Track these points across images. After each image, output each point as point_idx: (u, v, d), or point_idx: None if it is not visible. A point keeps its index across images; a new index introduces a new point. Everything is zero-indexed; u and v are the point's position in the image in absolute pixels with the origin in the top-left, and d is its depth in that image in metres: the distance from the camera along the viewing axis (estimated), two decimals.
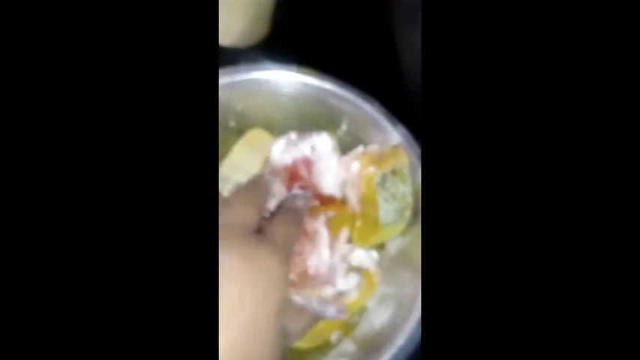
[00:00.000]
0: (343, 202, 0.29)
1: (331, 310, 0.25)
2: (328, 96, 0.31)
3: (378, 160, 0.27)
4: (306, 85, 0.31)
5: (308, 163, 0.28)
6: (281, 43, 0.40)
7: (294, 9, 0.41)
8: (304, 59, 0.37)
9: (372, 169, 0.27)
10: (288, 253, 0.22)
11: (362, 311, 0.30)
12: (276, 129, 0.32)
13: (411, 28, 0.38)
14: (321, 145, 0.28)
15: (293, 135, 0.29)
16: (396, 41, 0.42)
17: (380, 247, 0.31)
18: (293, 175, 0.28)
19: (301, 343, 0.29)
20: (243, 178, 0.29)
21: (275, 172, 0.28)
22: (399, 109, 0.30)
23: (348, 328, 0.30)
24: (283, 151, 0.28)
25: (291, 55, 0.39)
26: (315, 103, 0.31)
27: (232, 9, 0.36)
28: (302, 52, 0.39)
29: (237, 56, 0.38)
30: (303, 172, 0.28)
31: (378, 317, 0.29)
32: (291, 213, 0.25)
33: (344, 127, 0.32)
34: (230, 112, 0.31)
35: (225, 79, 0.30)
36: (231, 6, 0.36)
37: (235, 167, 0.30)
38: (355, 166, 0.27)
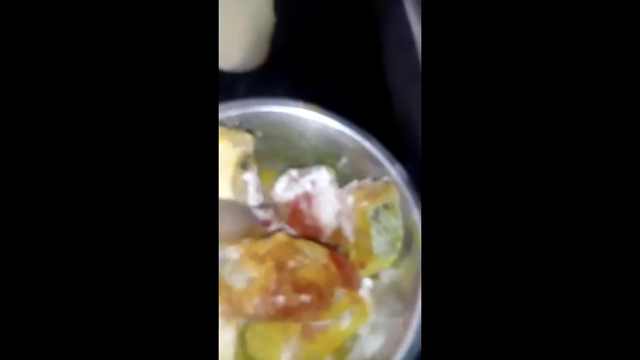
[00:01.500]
0: (338, 232, 0.31)
1: None
2: (331, 131, 0.33)
3: (371, 194, 0.29)
4: (311, 120, 0.33)
5: (308, 197, 0.30)
6: (279, 67, 0.43)
7: (292, 34, 0.44)
8: (300, 84, 0.40)
9: (365, 203, 0.28)
10: None
11: (354, 338, 0.31)
12: (280, 159, 0.34)
13: (400, 53, 0.39)
14: (321, 179, 0.30)
15: (294, 172, 0.31)
16: (384, 65, 0.44)
17: (374, 276, 0.33)
18: (295, 210, 0.30)
19: None
20: None
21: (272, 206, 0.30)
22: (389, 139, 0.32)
23: (340, 354, 0.31)
24: (286, 189, 0.31)
25: (288, 79, 0.42)
26: (318, 137, 0.33)
27: (232, 34, 0.39)
28: (298, 77, 0.42)
29: (236, 80, 0.41)
30: (303, 206, 0.30)
31: (369, 346, 0.30)
32: None
33: (344, 160, 0.34)
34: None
35: (236, 111, 0.32)
36: (231, 31, 0.38)
37: None
38: (350, 199, 0.29)
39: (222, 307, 0.28)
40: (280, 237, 0.29)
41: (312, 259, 0.28)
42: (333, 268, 0.29)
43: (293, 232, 0.31)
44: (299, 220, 0.31)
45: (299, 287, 0.28)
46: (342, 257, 0.30)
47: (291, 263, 0.28)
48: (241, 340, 0.29)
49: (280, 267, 0.28)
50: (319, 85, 0.42)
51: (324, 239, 0.32)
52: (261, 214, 0.30)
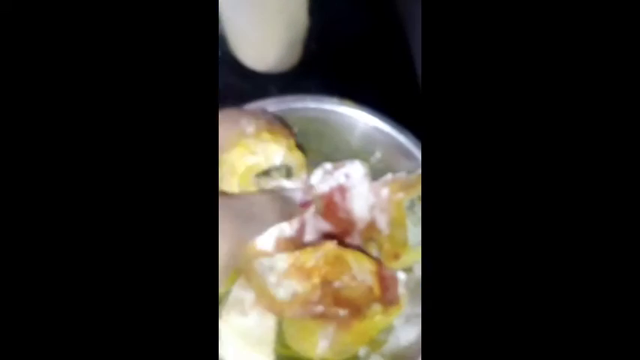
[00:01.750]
0: (372, 225, 0.31)
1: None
2: (364, 126, 0.34)
3: (406, 186, 0.29)
4: (348, 116, 0.34)
5: (342, 190, 0.31)
6: (312, 68, 0.44)
7: (325, 37, 0.45)
8: (332, 83, 0.41)
9: (401, 195, 0.29)
10: None
11: (389, 329, 0.31)
12: (315, 154, 0.35)
13: None
14: (354, 172, 0.31)
15: (328, 165, 0.32)
16: (413, 61, 0.45)
17: (407, 270, 0.33)
18: (329, 202, 0.31)
19: (332, 356, 0.30)
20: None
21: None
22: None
23: (376, 345, 0.31)
24: (320, 181, 0.31)
25: (321, 79, 0.43)
26: (353, 132, 0.34)
27: (267, 36, 0.40)
28: (330, 77, 0.43)
29: (271, 81, 0.42)
30: (337, 198, 0.31)
31: (405, 335, 0.30)
32: None
33: (378, 155, 0.34)
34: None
35: (272, 107, 0.33)
36: (266, 33, 0.39)
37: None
38: (385, 191, 0.30)
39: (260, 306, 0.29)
40: (329, 247, 0.29)
41: (359, 282, 0.29)
42: (377, 291, 0.29)
43: (328, 226, 0.32)
44: (333, 213, 0.32)
45: (339, 302, 0.29)
46: (387, 273, 0.30)
47: (337, 283, 0.29)
48: (278, 328, 0.30)
49: (326, 284, 0.28)
50: (351, 84, 0.43)
51: (357, 232, 0.32)
52: (300, 195, 0.31)
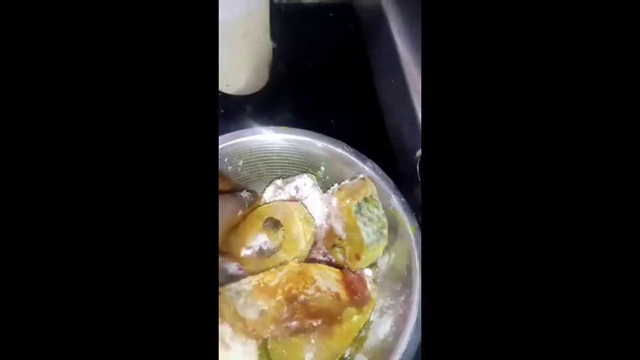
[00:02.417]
0: (331, 232, 0.34)
1: None
2: (306, 146, 0.37)
3: (351, 192, 0.32)
4: (287, 140, 0.36)
5: (295, 201, 0.34)
6: (279, 89, 0.48)
7: (289, 58, 0.50)
8: (299, 103, 0.46)
9: (348, 201, 0.32)
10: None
11: (367, 325, 0.33)
12: (264, 180, 0.38)
13: (389, 71, 0.44)
14: (303, 184, 0.34)
15: (279, 181, 0.34)
16: (375, 86, 0.49)
17: (373, 266, 0.35)
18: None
19: None
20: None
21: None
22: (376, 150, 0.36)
23: (358, 343, 0.33)
24: (272, 196, 0.34)
25: (287, 102, 0.46)
26: (296, 154, 0.37)
27: (234, 61, 0.43)
28: (296, 97, 0.47)
29: (241, 103, 0.46)
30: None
31: (382, 328, 0.32)
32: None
33: (322, 168, 0.37)
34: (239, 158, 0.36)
35: (229, 141, 0.35)
36: (233, 58, 0.42)
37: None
38: (334, 201, 0.32)
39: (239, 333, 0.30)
40: (292, 266, 0.31)
41: (323, 292, 0.31)
42: (344, 297, 0.31)
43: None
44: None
45: (310, 314, 0.30)
46: (352, 277, 0.32)
47: (302, 297, 0.30)
48: (264, 348, 0.32)
49: (291, 299, 0.30)
50: (315, 102, 0.48)
51: (320, 241, 0.35)
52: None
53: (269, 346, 0.32)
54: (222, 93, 0.47)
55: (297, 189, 0.34)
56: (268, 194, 0.34)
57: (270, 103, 0.47)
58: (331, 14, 0.57)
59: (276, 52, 0.48)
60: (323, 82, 0.50)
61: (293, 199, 0.34)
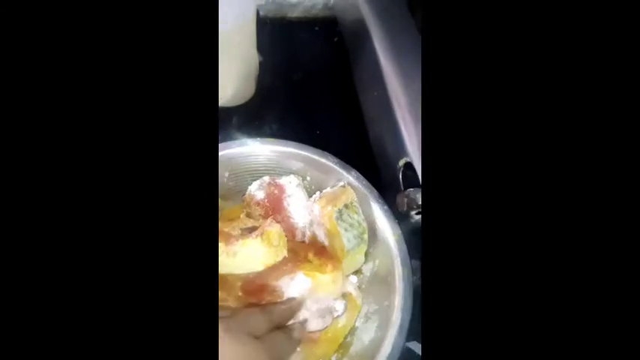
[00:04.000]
0: (314, 239, 0.34)
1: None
2: (292, 157, 0.38)
3: (332, 199, 0.33)
4: (273, 151, 0.37)
5: (280, 190, 0.34)
6: (264, 103, 0.49)
7: (276, 73, 0.51)
8: (284, 117, 0.47)
9: (329, 208, 0.32)
10: None
11: (352, 331, 0.34)
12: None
13: (372, 84, 0.45)
14: (288, 182, 0.35)
15: (266, 177, 0.35)
16: (359, 98, 0.51)
17: (357, 273, 0.36)
18: (266, 209, 0.34)
19: None
20: (259, 267, 0.31)
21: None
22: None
23: (344, 349, 0.33)
24: (257, 189, 0.35)
25: (273, 113, 0.47)
26: (282, 165, 0.38)
27: (224, 74, 0.43)
28: (282, 112, 0.48)
29: (229, 114, 0.47)
30: (274, 204, 0.34)
31: (366, 334, 0.33)
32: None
33: (308, 178, 0.38)
34: (224, 169, 0.37)
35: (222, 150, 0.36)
36: (224, 71, 0.42)
37: (252, 257, 0.31)
38: (316, 208, 0.33)
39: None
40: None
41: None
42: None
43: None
44: (275, 208, 0.35)
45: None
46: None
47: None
48: None
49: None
50: (301, 114, 0.49)
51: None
52: None
53: None
54: None
55: (282, 187, 0.35)
56: (254, 187, 0.35)
57: (257, 115, 0.49)
58: (316, 28, 0.59)
59: (262, 65, 0.50)
60: (308, 94, 0.52)
61: (276, 198, 0.34)
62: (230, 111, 0.48)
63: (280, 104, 0.50)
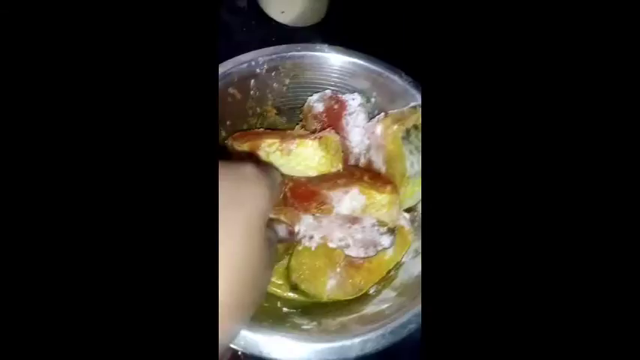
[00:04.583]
0: (369, 166, 0.31)
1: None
2: (360, 69, 0.34)
3: (399, 118, 0.29)
4: (342, 61, 0.34)
5: (341, 104, 0.31)
6: (335, 24, 0.46)
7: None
8: (354, 39, 0.42)
9: (395, 127, 0.29)
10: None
11: (399, 266, 0.31)
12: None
13: None
14: (352, 99, 0.32)
15: (328, 91, 0.32)
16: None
17: (410, 210, 0.33)
18: (323, 123, 0.31)
19: (341, 296, 0.31)
20: (312, 172, 0.29)
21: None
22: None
23: (386, 282, 0.31)
24: (316, 100, 0.32)
25: (343, 35, 0.44)
26: (348, 76, 0.34)
27: None
28: (352, 33, 0.44)
29: (296, 34, 0.44)
30: (332, 120, 0.31)
31: (415, 268, 0.30)
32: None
33: (373, 100, 0.34)
34: (286, 75, 0.34)
35: (267, 57, 0.33)
36: None
37: (307, 160, 0.29)
38: (379, 129, 0.30)
39: None
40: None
41: None
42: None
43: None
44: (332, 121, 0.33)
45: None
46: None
47: None
48: (286, 269, 0.31)
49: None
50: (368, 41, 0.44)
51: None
52: None
53: (291, 264, 0.30)
54: (276, 21, 0.45)
55: (344, 103, 0.32)
56: (314, 98, 0.32)
57: (323, 34, 0.45)
58: None
59: None
60: (375, 19, 0.46)
61: (336, 113, 0.31)
62: (296, 30, 0.45)
63: (347, 29, 0.46)
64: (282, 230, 0.26)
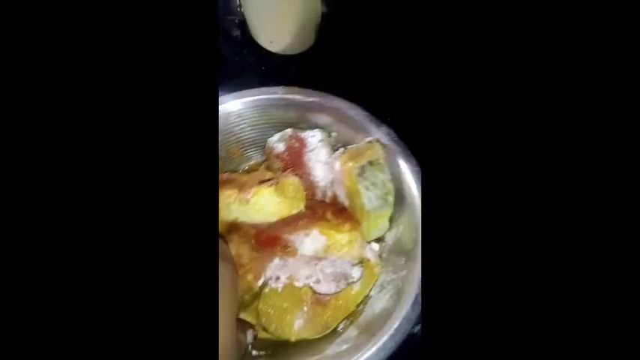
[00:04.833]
0: (335, 199, 0.32)
1: None
2: (317, 109, 0.34)
3: (355, 155, 0.30)
4: (293, 100, 0.34)
5: (301, 143, 0.32)
6: (325, 51, 0.46)
7: (339, 21, 0.47)
8: (345, 65, 0.44)
9: (350, 164, 0.29)
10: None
11: (366, 300, 0.31)
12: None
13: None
14: (311, 137, 0.32)
15: (289, 130, 0.33)
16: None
17: (380, 240, 0.33)
18: (286, 162, 0.32)
19: (309, 334, 0.30)
20: (272, 218, 0.30)
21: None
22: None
23: (354, 317, 0.31)
24: (277, 141, 0.33)
25: (333, 61, 0.44)
26: (307, 118, 0.35)
27: (283, 20, 0.42)
28: (344, 59, 0.45)
29: (286, 62, 0.45)
30: (294, 158, 0.32)
31: (379, 303, 0.30)
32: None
33: (334, 134, 0.35)
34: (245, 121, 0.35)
35: (245, 97, 0.34)
36: (283, 17, 0.42)
37: (266, 207, 0.30)
38: (337, 164, 0.30)
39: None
40: None
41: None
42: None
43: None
44: (295, 164, 0.33)
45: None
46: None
47: None
48: (254, 312, 0.31)
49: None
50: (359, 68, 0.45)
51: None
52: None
53: (259, 306, 0.31)
54: (266, 50, 0.46)
55: (304, 140, 0.32)
56: (274, 139, 0.33)
57: (314, 64, 0.45)
58: None
59: (324, 16, 0.46)
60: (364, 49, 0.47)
61: (297, 152, 0.32)
62: (287, 59, 0.45)
63: (337, 56, 0.46)
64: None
